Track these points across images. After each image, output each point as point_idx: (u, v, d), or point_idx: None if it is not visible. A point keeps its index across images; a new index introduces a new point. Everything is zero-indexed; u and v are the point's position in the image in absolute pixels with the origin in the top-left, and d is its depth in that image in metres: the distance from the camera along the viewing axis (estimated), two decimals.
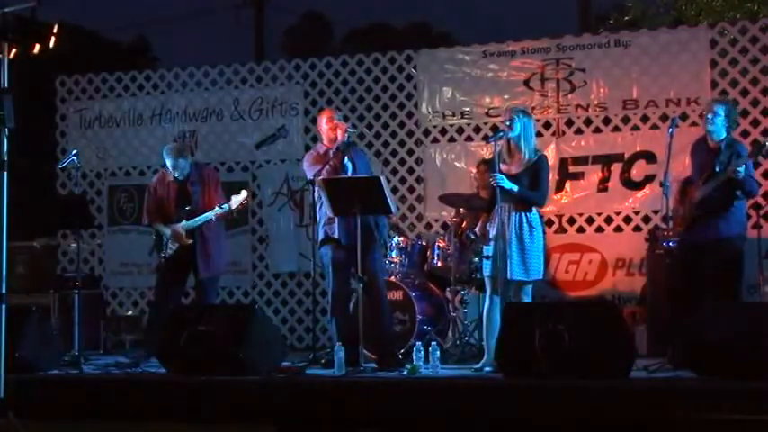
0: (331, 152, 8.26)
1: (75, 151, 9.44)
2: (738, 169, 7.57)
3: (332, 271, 8.24)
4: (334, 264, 8.22)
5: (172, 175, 9.07)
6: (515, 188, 7.77)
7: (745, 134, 9.65)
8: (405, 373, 7.71)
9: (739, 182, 7.66)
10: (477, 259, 8.87)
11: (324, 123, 8.41)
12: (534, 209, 7.90)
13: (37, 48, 6.39)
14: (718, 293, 7.64)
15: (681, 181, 8.16)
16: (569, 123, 10.46)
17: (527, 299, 7.89)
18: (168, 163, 9.05)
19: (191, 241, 8.90)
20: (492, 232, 7.90)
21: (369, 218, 8.16)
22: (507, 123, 7.87)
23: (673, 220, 8.07)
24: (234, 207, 8.82)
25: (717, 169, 7.72)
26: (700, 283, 7.73)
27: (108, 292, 11.46)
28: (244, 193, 8.87)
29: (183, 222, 8.89)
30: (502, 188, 7.77)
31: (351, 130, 8.45)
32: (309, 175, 8.22)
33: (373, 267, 8.20)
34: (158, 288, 9.30)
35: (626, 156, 10.15)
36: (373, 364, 8.13)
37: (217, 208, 8.81)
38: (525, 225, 7.82)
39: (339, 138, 8.25)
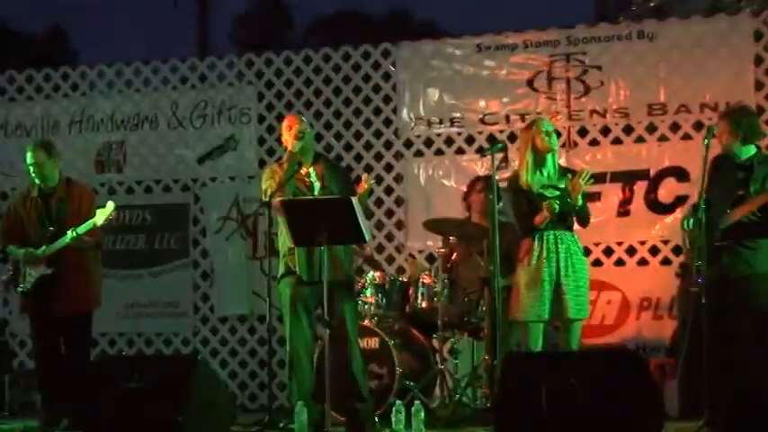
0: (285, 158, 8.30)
1: None
2: None
3: (290, 312, 8.16)
4: (293, 304, 8.15)
5: (36, 189, 8.95)
6: (580, 203, 7.91)
7: None
8: None
9: None
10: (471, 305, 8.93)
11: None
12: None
13: None
14: (753, 340, 7.66)
15: (692, 206, 8.19)
16: (582, 132, 10.51)
17: (576, 343, 7.94)
18: (29, 159, 8.85)
19: (50, 270, 8.76)
20: (538, 265, 7.94)
21: (338, 247, 8.14)
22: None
23: (684, 253, 8.06)
24: (99, 222, 8.67)
25: (751, 189, 7.76)
26: (729, 328, 7.74)
27: (15, 341, 11.37)
28: (111, 205, 8.72)
29: (43, 247, 8.76)
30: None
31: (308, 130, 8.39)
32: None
33: (341, 310, 8.14)
34: (36, 334, 9.03)
35: (652, 172, 10.22)
36: (342, 428, 8.11)
37: (81, 225, 8.64)
38: (575, 250, 7.94)
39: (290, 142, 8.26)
